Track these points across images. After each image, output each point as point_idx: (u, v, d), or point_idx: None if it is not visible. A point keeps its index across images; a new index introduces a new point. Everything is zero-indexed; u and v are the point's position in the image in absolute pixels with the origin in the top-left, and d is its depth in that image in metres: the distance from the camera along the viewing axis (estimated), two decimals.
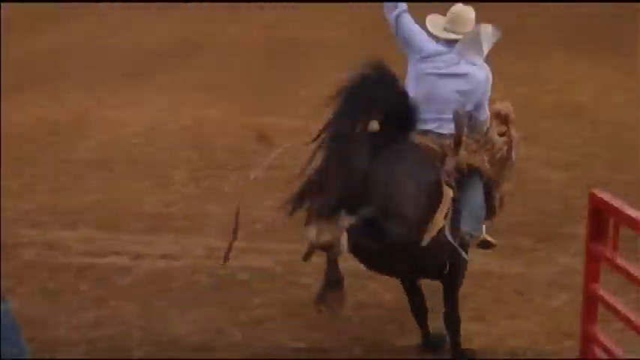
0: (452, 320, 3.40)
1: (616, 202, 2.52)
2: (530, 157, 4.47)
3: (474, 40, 3.41)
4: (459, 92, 3.37)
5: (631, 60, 8.78)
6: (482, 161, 3.41)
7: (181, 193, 5.57)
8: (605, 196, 2.57)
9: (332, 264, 2.92)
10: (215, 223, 4.91)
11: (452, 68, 3.38)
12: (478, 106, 3.44)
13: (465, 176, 3.32)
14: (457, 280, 3.36)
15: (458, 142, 3.23)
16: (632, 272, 2.50)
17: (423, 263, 3.16)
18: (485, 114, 3.50)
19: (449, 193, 3.10)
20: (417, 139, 3.22)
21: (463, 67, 3.39)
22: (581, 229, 4.07)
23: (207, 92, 8.15)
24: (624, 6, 10.46)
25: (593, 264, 2.71)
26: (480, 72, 3.43)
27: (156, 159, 6.26)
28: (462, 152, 3.30)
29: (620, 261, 2.55)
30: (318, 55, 9.47)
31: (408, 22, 3.51)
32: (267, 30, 11.10)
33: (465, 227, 3.32)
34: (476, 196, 3.42)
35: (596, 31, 10.33)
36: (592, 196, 2.62)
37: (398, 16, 3.50)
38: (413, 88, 3.35)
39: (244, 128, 6.76)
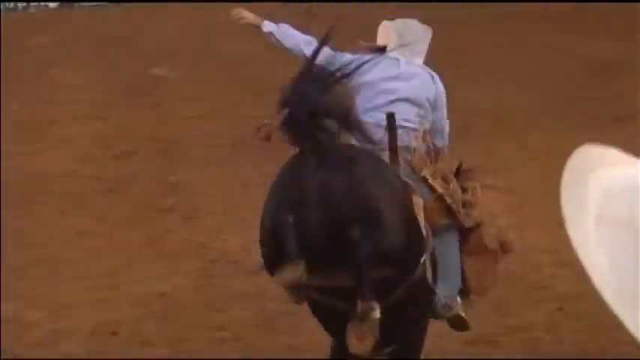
0: None
1: None
2: None
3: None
4: (407, 97, 4.07)
5: None
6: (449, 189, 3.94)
7: None
8: None
9: None
10: None
11: (392, 71, 4.11)
12: (435, 111, 4.13)
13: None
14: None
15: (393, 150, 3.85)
16: None
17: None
18: (447, 125, 4.23)
19: (419, 202, 3.73)
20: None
21: (405, 69, 4.15)
22: None
23: None
24: None
25: None
26: (425, 72, 4.21)
27: None
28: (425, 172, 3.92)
29: None
30: None
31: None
32: None
33: (440, 287, 3.84)
34: (451, 246, 3.96)
35: None
36: None
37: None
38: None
39: None
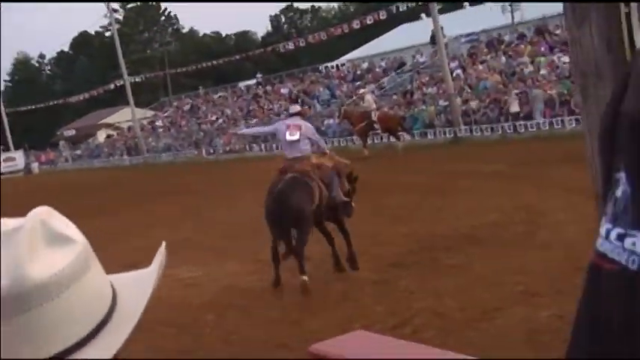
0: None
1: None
2: None
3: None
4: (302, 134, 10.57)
5: None
6: (334, 161, 10.73)
7: None
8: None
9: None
10: None
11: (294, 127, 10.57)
12: (314, 137, 10.87)
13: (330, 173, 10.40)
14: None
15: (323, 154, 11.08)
16: None
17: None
18: (323, 143, 11.54)
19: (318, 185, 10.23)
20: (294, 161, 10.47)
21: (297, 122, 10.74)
22: None
23: None
24: None
25: None
26: (306, 121, 11.39)
27: None
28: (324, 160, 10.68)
29: None
30: None
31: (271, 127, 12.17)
32: None
33: (333, 193, 10.34)
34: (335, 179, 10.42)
35: None
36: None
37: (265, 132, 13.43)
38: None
39: None
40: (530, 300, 7.89)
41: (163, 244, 1.38)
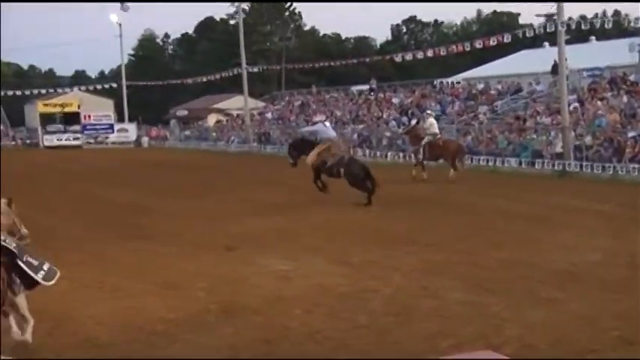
0: None
1: None
2: None
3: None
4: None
5: None
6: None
7: None
8: None
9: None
10: None
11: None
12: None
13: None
14: None
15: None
16: None
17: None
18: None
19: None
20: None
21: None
22: None
23: None
24: None
25: None
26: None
27: None
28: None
29: None
30: None
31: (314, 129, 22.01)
32: None
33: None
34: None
35: None
36: None
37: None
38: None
39: None
40: (627, 347, 7.66)
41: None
